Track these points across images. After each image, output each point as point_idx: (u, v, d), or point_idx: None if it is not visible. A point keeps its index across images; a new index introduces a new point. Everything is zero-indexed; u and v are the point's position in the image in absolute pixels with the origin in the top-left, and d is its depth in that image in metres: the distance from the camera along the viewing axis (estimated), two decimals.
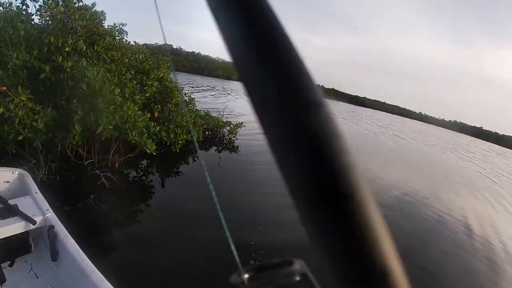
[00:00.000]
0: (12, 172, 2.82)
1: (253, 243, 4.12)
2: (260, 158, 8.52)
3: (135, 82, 6.42)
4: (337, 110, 44.66)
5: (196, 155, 7.75)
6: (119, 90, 4.99)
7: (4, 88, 4.19)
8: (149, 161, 6.50)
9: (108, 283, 1.81)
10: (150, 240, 3.91)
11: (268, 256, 3.95)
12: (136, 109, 5.38)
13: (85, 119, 4.48)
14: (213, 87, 32.43)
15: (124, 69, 6.46)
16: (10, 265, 2.27)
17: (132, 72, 7.08)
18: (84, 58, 5.02)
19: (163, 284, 3.23)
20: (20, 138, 4.14)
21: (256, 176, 7.37)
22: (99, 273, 1.88)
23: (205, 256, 3.78)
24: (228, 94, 27.62)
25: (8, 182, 2.76)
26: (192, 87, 25.02)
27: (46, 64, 4.64)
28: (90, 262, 1.95)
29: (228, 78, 59.73)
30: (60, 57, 4.67)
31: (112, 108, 4.78)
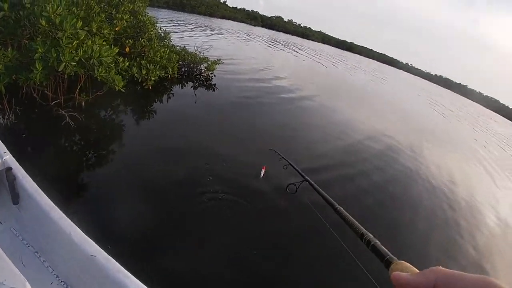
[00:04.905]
0: None
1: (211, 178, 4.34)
2: (237, 98, 8.65)
3: (103, 15, 6.19)
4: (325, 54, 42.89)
5: (171, 92, 7.68)
6: (81, 23, 4.70)
7: None
8: (119, 100, 6.30)
9: (69, 220, 1.80)
10: (119, 180, 3.86)
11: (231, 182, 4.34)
12: (103, 43, 5.13)
13: (47, 57, 4.26)
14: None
15: (93, 2, 6.03)
16: None
17: (102, 6, 6.75)
18: None
19: (128, 228, 3.16)
20: None
21: (231, 114, 7.54)
22: (59, 210, 1.85)
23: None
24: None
25: None
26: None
27: (4, 2, 4.23)
28: (50, 201, 1.92)
29: (211, 15, 59.36)
30: None
31: (75, 43, 4.54)
